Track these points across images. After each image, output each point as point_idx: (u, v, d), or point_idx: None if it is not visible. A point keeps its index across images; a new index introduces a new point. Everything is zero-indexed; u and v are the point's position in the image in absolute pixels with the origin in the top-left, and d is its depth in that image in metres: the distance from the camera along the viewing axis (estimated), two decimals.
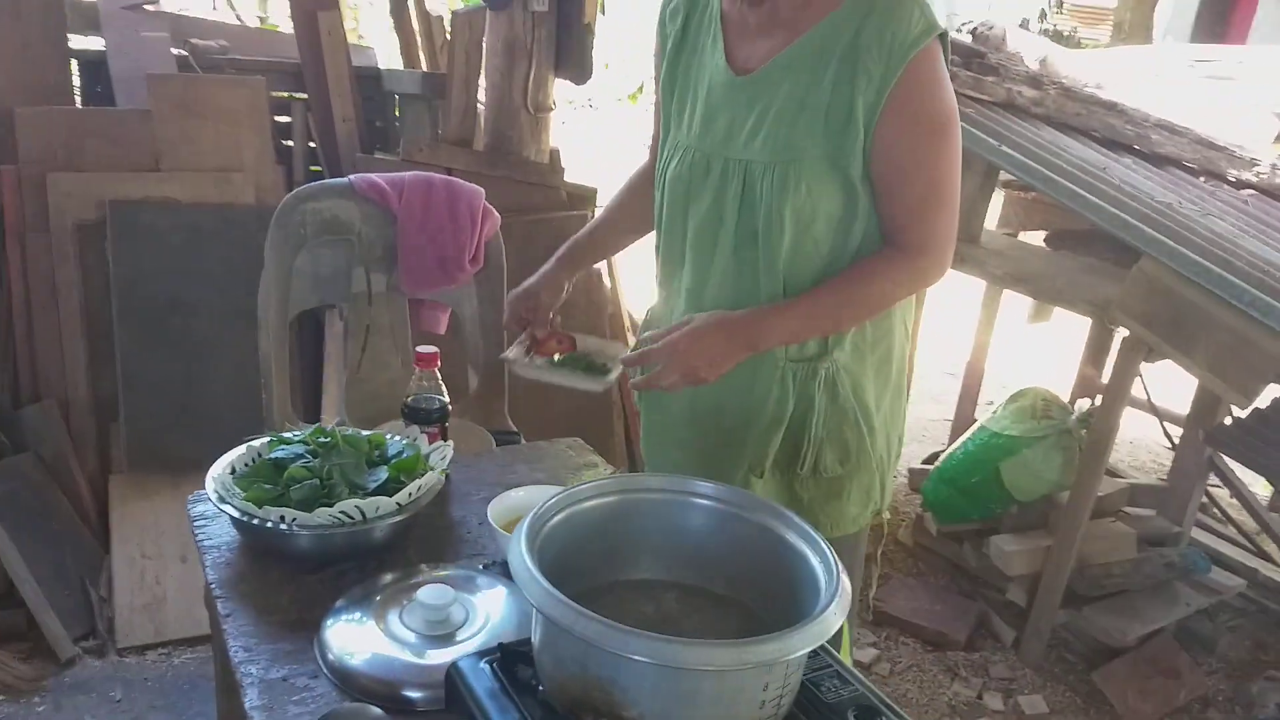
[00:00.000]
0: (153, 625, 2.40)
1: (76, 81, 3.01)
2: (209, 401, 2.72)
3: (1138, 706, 2.40)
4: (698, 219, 1.42)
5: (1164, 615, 2.50)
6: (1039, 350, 4.39)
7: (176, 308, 2.74)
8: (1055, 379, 3.21)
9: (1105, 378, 3.24)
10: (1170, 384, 3.06)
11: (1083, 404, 2.89)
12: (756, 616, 1.05)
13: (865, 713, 0.98)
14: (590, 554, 1.06)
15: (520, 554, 0.93)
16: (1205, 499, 3.14)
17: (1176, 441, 2.93)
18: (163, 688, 2.30)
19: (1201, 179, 2.70)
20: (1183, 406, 2.92)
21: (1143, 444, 3.90)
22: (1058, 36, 13.57)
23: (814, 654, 1.04)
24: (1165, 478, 3.06)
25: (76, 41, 3.00)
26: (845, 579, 0.95)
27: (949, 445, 3.07)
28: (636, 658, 0.84)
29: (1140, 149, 2.74)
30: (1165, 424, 3.04)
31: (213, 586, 1.32)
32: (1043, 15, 14.96)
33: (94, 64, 3.01)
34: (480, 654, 1.03)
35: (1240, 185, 2.73)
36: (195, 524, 1.44)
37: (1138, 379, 2.59)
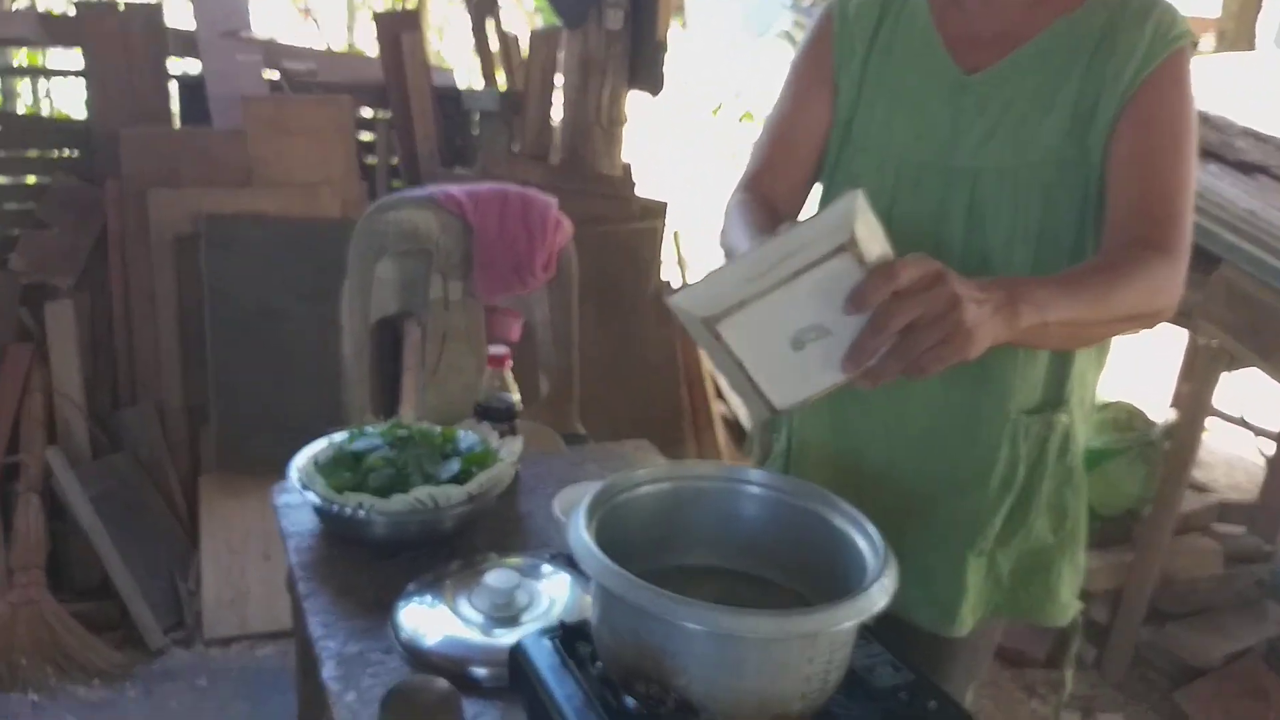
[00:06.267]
0: (237, 619, 2.51)
1: (175, 103, 3.16)
2: (294, 405, 2.81)
3: None
4: (906, 242, 1.16)
5: (1252, 634, 2.43)
6: (1139, 366, 4.28)
7: (265, 316, 2.85)
8: (1152, 394, 3.13)
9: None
10: (1270, 400, 2.97)
11: (1168, 416, 2.82)
12: (806, 601, 1.05)
13: (917, 694, 0.98)
14: (645, 539, 1.07)
15: (579, 530, 0.96)
16: None
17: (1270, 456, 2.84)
18: (245, 678, 2.41)
19: None
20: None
21: (1240, 464, 3.77)
22: None
23: (868, 641, 1.06)
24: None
25: (175, 66, 3.16)
26: (894, 560, 0.95)
27: None
28: (685, 624, 0.86)
29: (1226, 156, 2.67)
30: (1260, 439, 2.94)
31: (295, 569, 1.37)
32: None
33: (192, 87, 3.15)
34: (542, 632, 1.07)
35: None
36: (279, 512, 1.49)
37: (1231, 393, 2.52)
